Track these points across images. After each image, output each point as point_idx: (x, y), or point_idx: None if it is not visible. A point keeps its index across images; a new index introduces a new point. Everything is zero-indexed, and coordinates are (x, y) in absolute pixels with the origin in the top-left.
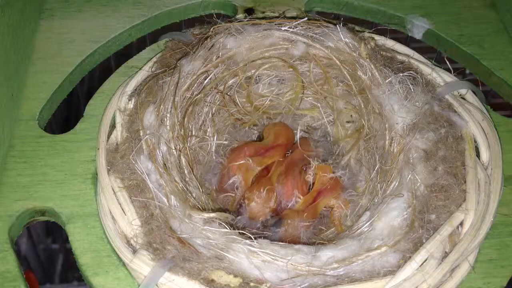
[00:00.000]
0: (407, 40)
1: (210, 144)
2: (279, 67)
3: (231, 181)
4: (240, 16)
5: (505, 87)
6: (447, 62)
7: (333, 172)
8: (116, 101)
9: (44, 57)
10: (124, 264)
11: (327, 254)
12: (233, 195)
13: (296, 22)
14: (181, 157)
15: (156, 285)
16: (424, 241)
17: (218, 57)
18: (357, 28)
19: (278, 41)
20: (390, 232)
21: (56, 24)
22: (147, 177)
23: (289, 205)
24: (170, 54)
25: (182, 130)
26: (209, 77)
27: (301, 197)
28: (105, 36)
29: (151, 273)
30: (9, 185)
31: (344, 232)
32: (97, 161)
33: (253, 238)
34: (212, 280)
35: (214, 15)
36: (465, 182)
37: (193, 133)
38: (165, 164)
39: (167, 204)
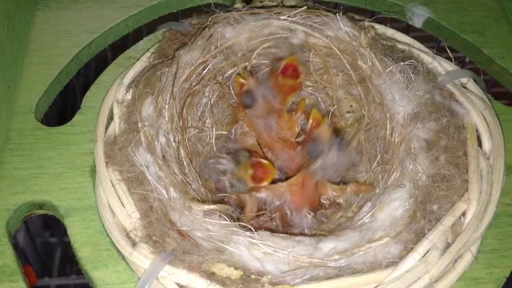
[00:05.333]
0: (406, 29)
1: (209, 135)
2: (278, 56)
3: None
4: (238, 5)
5: (506, 76)
6: (448, 51)
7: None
8: (113, 93)
9: (40, 49)
10: (123, 258)
11: (328, 245)
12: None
13: (296, 11)
14: (180, 148)
15: (156, 278)
16: (426, 231)
17: (217, 47)
18: (356, 17)
19: (277, 30)
20: (392, 223)
21: (52, 15)
22: (146, 169)
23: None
24: (168, 45)
25: (181, 122)
26: (207, 68)
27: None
28: (102, 27)
29: (151, 266)
30: (6, 179)
31: None
32: (95, 154)
33: (253, 230)
34: (213, 273)
35: (212, 5)
36: (467, 171)
37: (192, 124)
38: (164, 156)
39: (167, 196)
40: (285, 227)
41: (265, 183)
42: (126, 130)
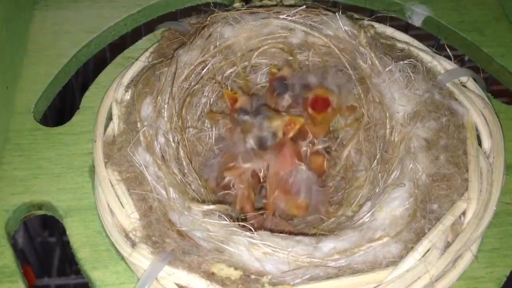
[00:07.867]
0: (406, 28)
1: (209, 135)
2: (278, 56)
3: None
4: (237, 4)
5: (505, 74)
6: (447, 49)
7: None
8: (112, 93)
9: (39, 49)
10: (123, 258)
11: (328, 245)
12: (233, 192)
13: (295, 10)
14: (179, 148)
15: (156, 278)
16: (426, 231)
17: (216, 46)
18: (356, 16)
19: (276, 30)
20: (392, 222)
21: (51, 15)
22: (145, 170)
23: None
24: (167, 44)
25: (180, 121)
26: (206, 67)
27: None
28: (100, 27)
29: (151, 266)
30: (6, 179)
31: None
32: (94, 154)
33: (253, 230)
34: (213, 273)
35: (211, 4)
36: (467, 171)
37: (191, 124)
38: (163, 156)
39: (166, 196)
40: (289, 199)
41: (291, 134)
42: (125, 130)
